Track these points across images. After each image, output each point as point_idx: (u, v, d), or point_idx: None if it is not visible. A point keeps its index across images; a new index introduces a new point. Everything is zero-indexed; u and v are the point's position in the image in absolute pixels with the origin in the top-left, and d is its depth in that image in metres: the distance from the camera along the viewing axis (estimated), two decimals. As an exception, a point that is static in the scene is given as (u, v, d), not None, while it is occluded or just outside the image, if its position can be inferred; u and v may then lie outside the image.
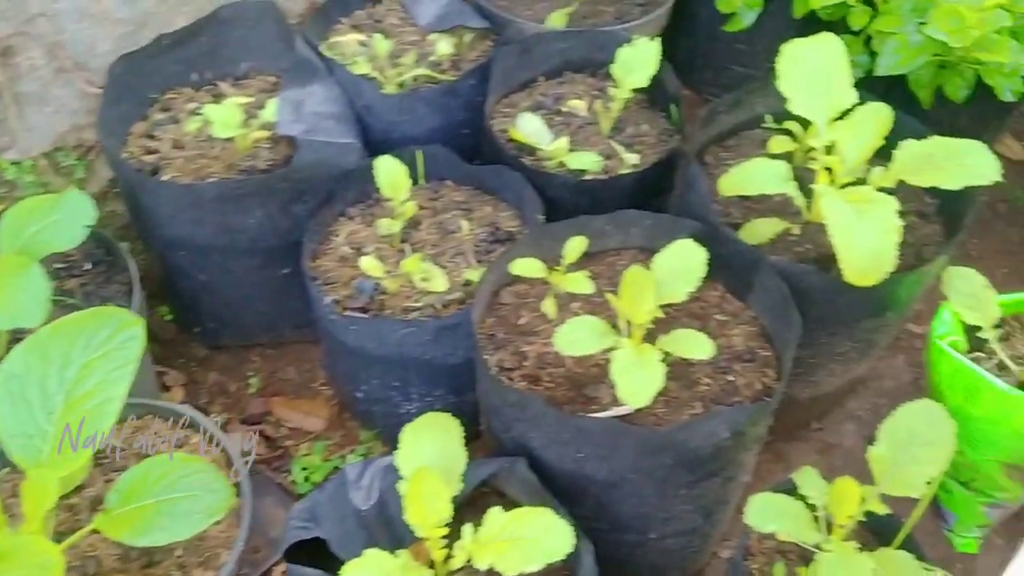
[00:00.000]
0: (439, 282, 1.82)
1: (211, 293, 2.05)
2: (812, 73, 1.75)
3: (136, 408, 1.68)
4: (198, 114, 2.07)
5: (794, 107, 1.73)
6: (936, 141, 1.70)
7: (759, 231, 1.83)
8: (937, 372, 1.75)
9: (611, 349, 1.51)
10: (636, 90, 2.06)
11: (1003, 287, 2.31)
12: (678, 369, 1.63)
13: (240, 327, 2.16)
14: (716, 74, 2.66)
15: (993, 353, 1.75)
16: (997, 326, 1.79)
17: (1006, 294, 1.83)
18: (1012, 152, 2.64)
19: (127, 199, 2.01)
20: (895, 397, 2.11)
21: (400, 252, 1.91)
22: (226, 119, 1.96)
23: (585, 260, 1.81)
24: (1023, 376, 1.72)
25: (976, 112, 2.23)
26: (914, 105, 2.15)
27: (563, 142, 2.03)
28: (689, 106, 2.76)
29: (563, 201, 1.96)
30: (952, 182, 1.63)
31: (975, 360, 1.75)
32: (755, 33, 2.42)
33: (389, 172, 1.89)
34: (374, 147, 2.10)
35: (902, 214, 1.91)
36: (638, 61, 2.05)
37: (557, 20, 2.36)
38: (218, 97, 2.17)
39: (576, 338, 1.53)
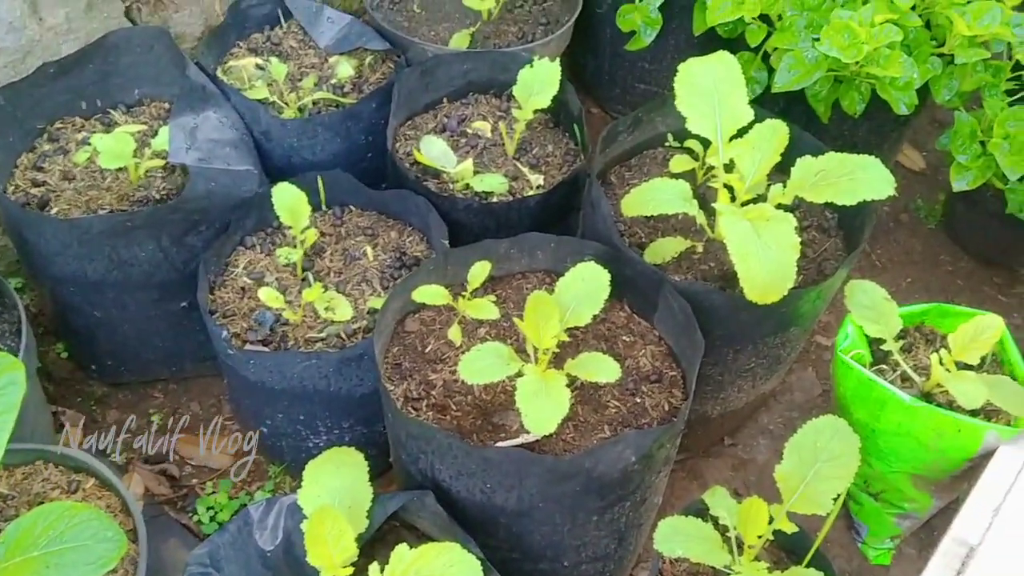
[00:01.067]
0: (343, 311, 1.77)
1: (107, 329, 1.97)
2: (708, 92, 1.76)
3: (26, 453, 1.60)
4: (88, 144, 1.99)
5: (692, 126, 1.73)
6: (831, 157, 1.71)
7: (663, 250, 1.83)
8: (843, 386, 1.77)
9: (517, 375, 1.49)
10: (540, 111, 2.05)
11: (908, 296, 2.38)
12: (586, 393, 1.61)
13: (139, 363, 2.08)
14: (623, 92, 2.67)
15: (896, 365, 1.78)
16: (899, 337, 1.81)
17: (908, 305, 1.86)
18: (911, 162, 2.70)
19: (12, 235, 1.92)
20: (806, 410, 2.13)
21: (303, 281, 1.86)
22: (116, 149, 1.89)
23: (491, 284, 1.79)
24: (926, 387, 1.75)
25: (874, 124, 2.28)
26: (814, 119, 2.18)
27: (468, 164, 2.00)
28: (598, 123, 2.77)
29: (469, 224, 1.94)
30: (847, 198, 1.64)
31: (879, 372, 1.77)
32: (658, 50, 2.43)
33: (288, 200, 1.84)
34: (274, 173, 2.05)
35: (802, 229, 1.95)
36: (540, 82, 2.04)
37: (460, 41, 2.34)
38: (109, 126, 2.10)
39: (481, 366, 1.50)
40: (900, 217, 2.56)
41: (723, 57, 1.79)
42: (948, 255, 2.48)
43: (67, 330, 2.06)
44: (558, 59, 2.06)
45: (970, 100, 2.23)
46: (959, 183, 2.16)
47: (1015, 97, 2.20)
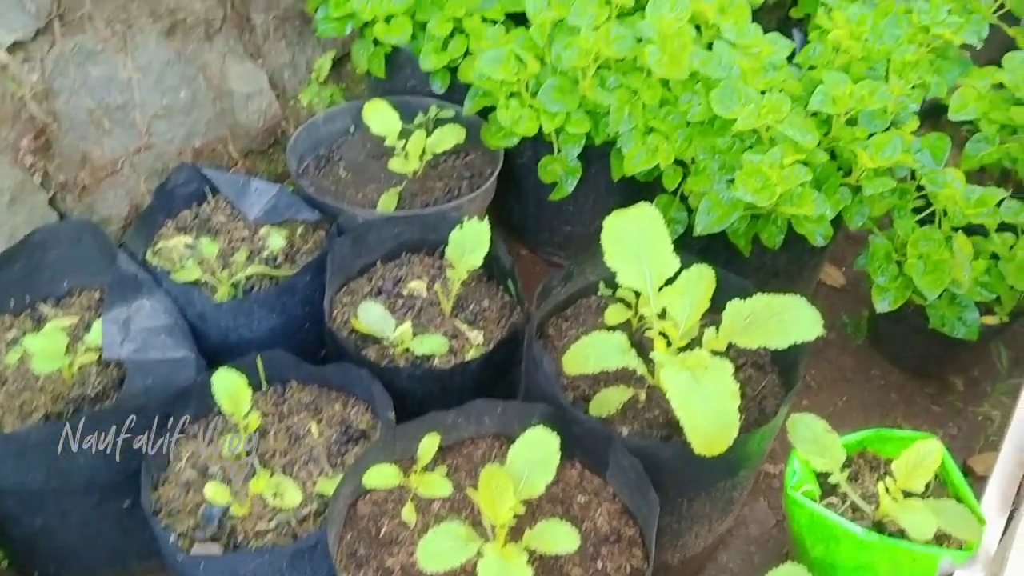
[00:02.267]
0: (292, 496, 1.74)
1: (48, 536, 1.90)
2: (634, 245, 1.81)
3: None
4: (18, 344, 1.95)
5: (622, 280, 1.77)
6: (758, 299, 1.76)
7: (607, 402, 1.85)
8: (797, 522, 1.79)
9: (477, 555, 1.47)
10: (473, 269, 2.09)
11: (846, 416, 2.43)
12: (548, 563, 1.60)
13: (83, 566, 2.00)
14: (551, 234, 2.73)
15: (845, 496, 1.81)
16: (845, 467, 1.85)
17: (849, 431, 1.90)
18: (833, 279, 2.80)
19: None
20: (763, 543, 2.14)
21: (248, 467, 1.83)
22: (49, 349, 1.86)
23: (441, 453, 1.78)
24: (877, 515, 1.77)
25: (795, 252, 2.36)
26: (737, 251, 2.26)
27: (407, 328, 2.02)
28: (529, 265, 2.83)
29: (413, 391, 1.94)
30: (778, 341, 1.69)
31: (829, 505, 1.79)
32: (581, 194, 2.50)
33: (227, 386, 1.82)
34: (211, 355, 2.04)
35: (739, 368, 2.00)
36: (470, 243, 2.08)
37: (388, 202, 2.38)
38: (39, 321, 2.07)
39: (439, 550, 1.48)
40: (828, 336, 2.64)
41: (644, 210, 1.85)
42: (879, 370, 2.56)
43: (6, 539, 1.98)
44: (487, 218, 2.11)
45: (882, 219, 2.34)
46: (881, 304, 2.25)
47: (924, 213, 2.31)
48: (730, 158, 2.19)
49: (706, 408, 1.60)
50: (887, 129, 2.22)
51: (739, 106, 2.12)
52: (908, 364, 2.57)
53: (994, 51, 2.89)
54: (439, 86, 2.59)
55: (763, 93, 2.15)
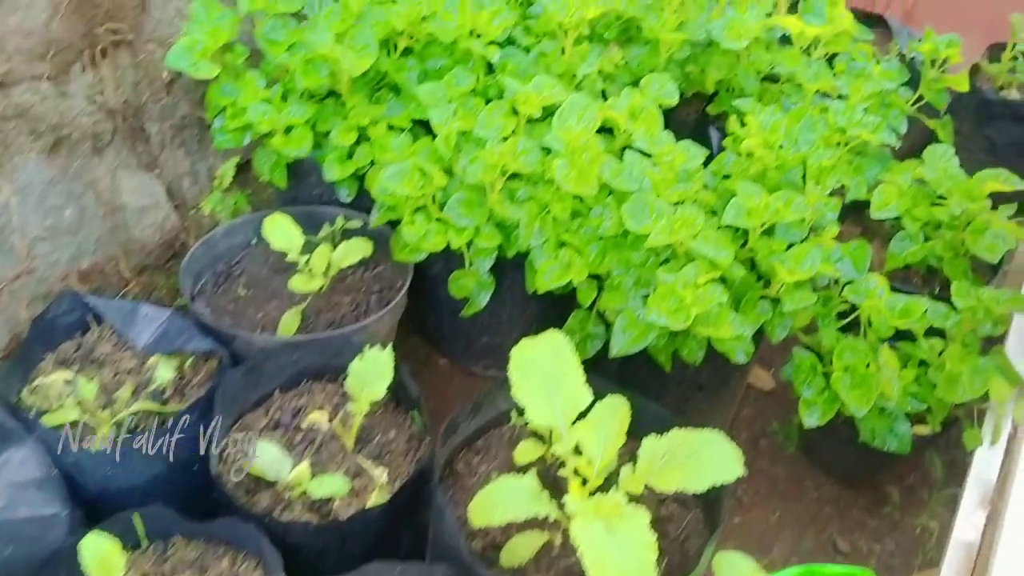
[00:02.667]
0: (169, 677, 1.57)
1: None
2: (544, 377, 1.70)
3: None
4: None
5: (532, 416, 1.66)
6: (676, 435, 1.66)
7: (520, 550, 1.71)
8: None
9: None
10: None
11: (779, 532, 2.32)
12: None
13: None
14: (467, 345, 2.61)
15: (776, 645, 1.68)
16: (775, 610, 1.72)
17: (782, 568, 1.78)
18: (763, 382, 2.70)
19: None
20: None
21: (122, 642, 1.65)
22: None
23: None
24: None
25: (719, 362, 2.26)
26: (657, 365, 2.15)
27: (304, 468, 1.86)
28: (447, 375, 2.69)
29: (309, 544, 1.78)
30: (696, 483, 1.58)
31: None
32: (497, 304, 2.38)
33: (97, 554, 1.64)
34: (88, 506, 1.86)
35: (661, 503, 1.88)
36: (372, 373, 1.94)
37: (290, 322, 2.24)
38: None
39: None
40: (759, 444, 2.53)
41: (554, 338, 1.74)
42: (812, 481, 2.45)
43: None
44: (390, 347, 1.97)
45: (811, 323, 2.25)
46: (809, 419, 2.14)
47: (851, 317, 2.23)
48: (645, 273, 2.09)
49: (621, 563, 1.47)
50: (806, 237, 2.15)
51: (651, 220, 2.02)
52: (841, 474, 2.46)
53: (916, 136, 2.86)
54: (346, 195, 2.47)
55: (676, 205, 2.06)
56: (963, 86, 2.62)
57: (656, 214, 2.03)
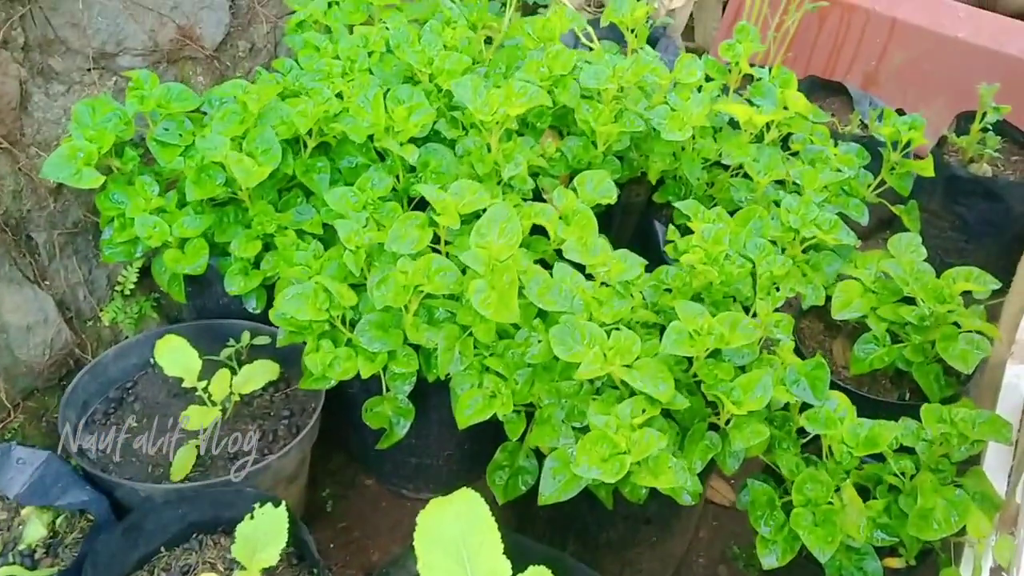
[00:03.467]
0: None
1: None
2: (455, 546, 1.45)
3: None
4: None
5: (440, 600, 1.41)
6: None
7: None
8: None
9: None
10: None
11: None
12: None
13: None
14: (396, 466, 2.36)
15: None
16: None
17: None
18: (721, 496, 2.46)
19: None
20: None
21: None
22: None
23: None
24: None
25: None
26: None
27: (187, 650, 1.61)
28: (374, 497, 2.44)
29: None
30: None
31: None
32: (423, 424, 2.14)
33: None
34: None
35: None
36: (264, 536, 1.69)
37: (184, 461, 1.98)
38: None
39: None
40: (718, 570, 2.29)
41: (466, 499, 1.49)
42: (777, 617, 2.20)
43: None
44: (284, 505, 1.72)
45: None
46: (768, 559, 1.90)
47: (807, 438, 2.00)
48: (579, 402, 1.86)
49: None
50: (758, 355, 1.92)
51: (582, 347, 1.79)
52: (809, 609, 2.22)
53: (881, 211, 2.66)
54: (254, 306, 2.23)
55: (611, 329, 1.83)
56: (928, 171, 2.42)
57: (588, 340, 1.80)
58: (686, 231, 2.16)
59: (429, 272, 1.88)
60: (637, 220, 2.71)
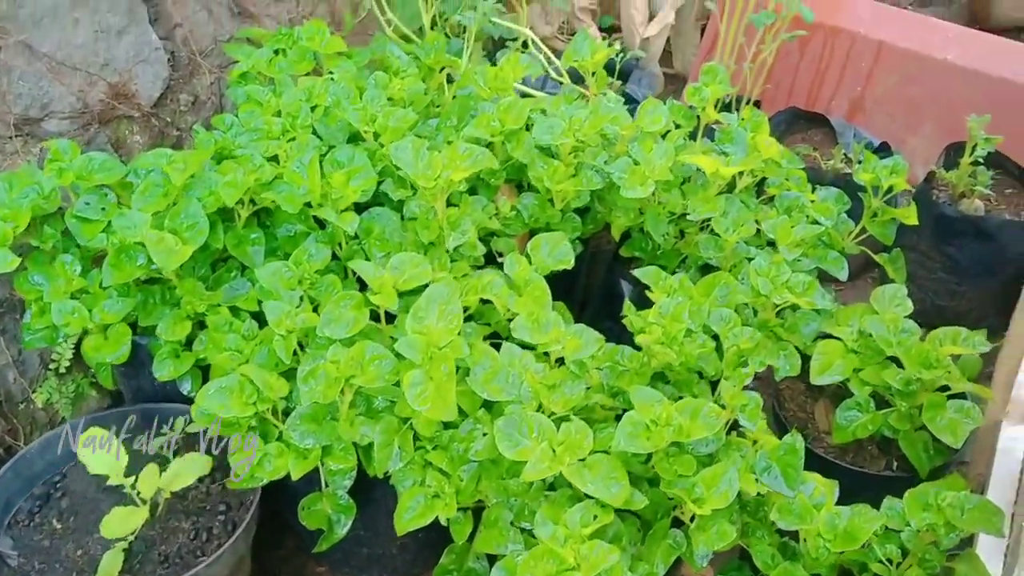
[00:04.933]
0: None
1: None
2: None
3: None
4: None
5: None
6: None
7: None
8: None
9: None
10: None
11: None
12: None
13: None
14: (346, 555, 2.19)
15: None
16: None
17: None
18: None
19: None
20: None
21: None
22: None
23: None
24: None
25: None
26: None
27: None
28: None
29: None
30: None
31: None
32: (372, 511, 1.99)
33: None
34: None
35: None
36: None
37: (109, 568, 1.83)
38: None
39: None
40: (696, 661, 2.12)
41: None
42: None
43: None
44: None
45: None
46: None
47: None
48: (529, 501, 1.70)
49: None
50: (725, 441, 1.76)
51: (530, 441, 1.63)
52: None
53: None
54: (189, 388, 2.08)
55: (562, 420, 1.67)
56: (911, 219, 2.26)
57: (536, 433, 1.64)
58: (646, 302, 1.99)
59: (363, 361, 1.72)
60: (606, 270, 2.55)
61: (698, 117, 2.38)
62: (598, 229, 2.37)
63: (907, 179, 3.10)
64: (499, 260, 2.18)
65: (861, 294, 2.77)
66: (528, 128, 2.27)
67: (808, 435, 2.18)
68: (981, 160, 2.63)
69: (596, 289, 2.52)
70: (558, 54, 3.58)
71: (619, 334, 2.01)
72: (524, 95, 3.00)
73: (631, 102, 3.03)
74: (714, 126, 2.52)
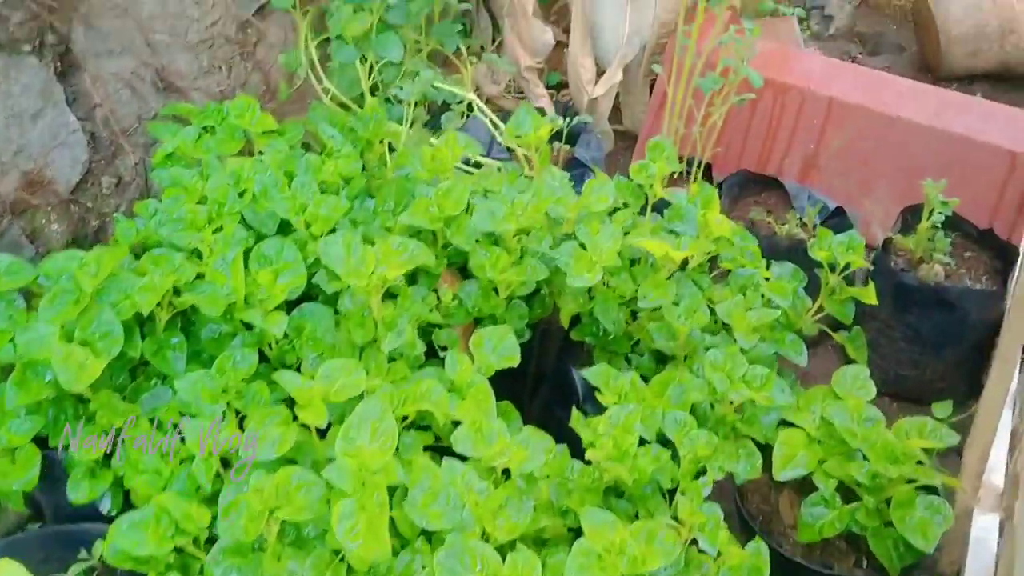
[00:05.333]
0: None
1: None
2: None
3: None
4: None
5: None
6: None
7: None
8: None
9: None
10: None
11: None
12: None
13: None
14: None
15: None
16: None
17: None
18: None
19: None
20: None
21: None
22: None
23: None
24: None
25: None
26: None
27: None
28: None
29: None
30: None
31: None
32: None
33: None
34: None
35: None
36: None
37: None
38: None
39: None
40: None
41: None
42: None
43: None
44: None
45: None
46: None
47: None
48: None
49: None
50: (684, 564, 1.64)
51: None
52: None
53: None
54: (109, 507, 1.92)
55: (508, 549, 1.54)
56: (870, 298, 2.17)
57: (480, 566, 1.51)
58: (597, 407, 1.88)
59: (289, 490, 1.58)
60: (557, 352, 2.43)
61: (646, 194, 2.28)
62: (547, 313, 2.25)
63: (865, 240, 3.07)
64: (441, 355, 2.06)
65: (823, 363, 2.68)
66: (469, 209, 2.15)
67: (773, 530, 2.07)
68: (939, 225, 2.55)
69: (547, 373, 2.40)
70: (506, 114, 3.48)
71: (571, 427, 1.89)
72: (468, 162, 2.90)
73: (579, 166, 2.94)
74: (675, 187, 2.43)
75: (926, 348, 2.56)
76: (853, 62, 4.11)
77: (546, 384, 2.43)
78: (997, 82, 3.82)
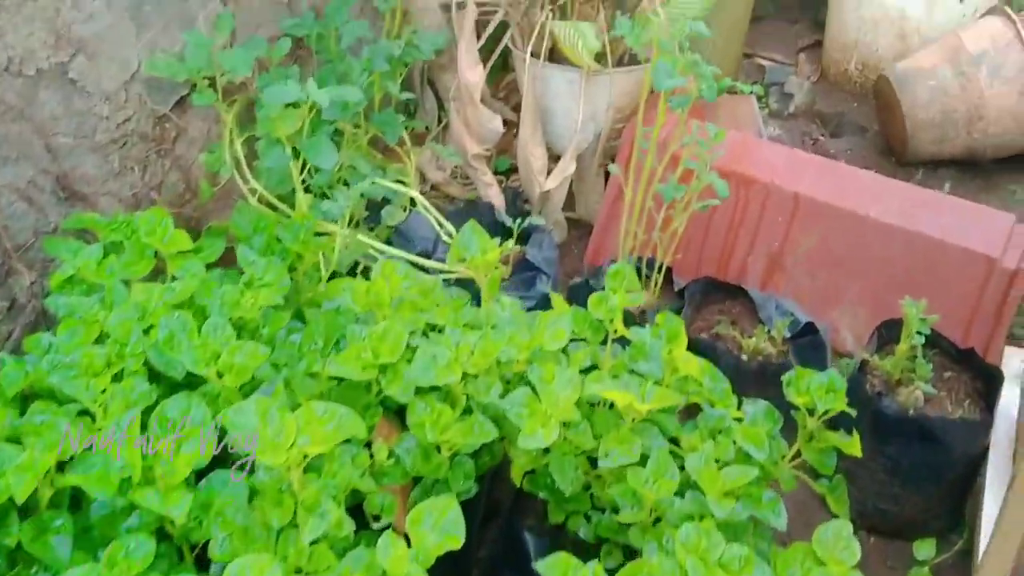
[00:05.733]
0: None
1: None
2: None
3: None
4: None
5: None
6: None
7: None
8: None
9: None
10: None
11: None
12: None
13: None
14: None
15: None
16: None
17: None
18: None
19: None
20: None
21: None
22: None
23: None
24: None
25: None
26: None
27: None
28: None
29: None
30: None
31: None
32: None
33: None
34: None
35: None
36: None
37: None
38: None
39: None
40: None
41: None
42: None
43: None
44: None
45: None
46: None
47: None
48: None
49: None
50: None
51: None
52: None
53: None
54: None
55: None
56: (854, 450, 1.95)
57: None
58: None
59: None
60: (509, 504, 2.18)
61: (606, 329, 2.06)
62: (496, 463, 2.01)
63: (834, 347, 2.87)
64: (374, 526, 1.81)
65: (798, 493, 2.45)
66: (409, 351, 1.90)
67: None
68: (920, 348, 2.37)
69: (497, 526, 2.16)
70: (453, 201, 3.26)
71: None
72: (410, 263, 2.65)
73: (531, 268, 2.73)
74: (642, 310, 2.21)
75: (907, 482, 2.36)
76: (815, 144, 3.96)
77: (495, 543, 2.19)
78: (963, 168, 3.69)
